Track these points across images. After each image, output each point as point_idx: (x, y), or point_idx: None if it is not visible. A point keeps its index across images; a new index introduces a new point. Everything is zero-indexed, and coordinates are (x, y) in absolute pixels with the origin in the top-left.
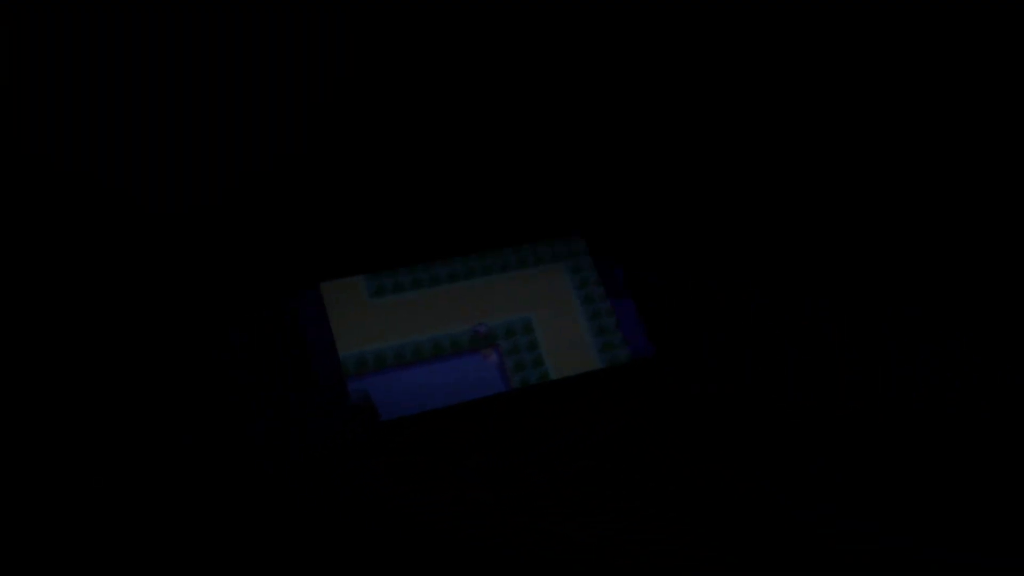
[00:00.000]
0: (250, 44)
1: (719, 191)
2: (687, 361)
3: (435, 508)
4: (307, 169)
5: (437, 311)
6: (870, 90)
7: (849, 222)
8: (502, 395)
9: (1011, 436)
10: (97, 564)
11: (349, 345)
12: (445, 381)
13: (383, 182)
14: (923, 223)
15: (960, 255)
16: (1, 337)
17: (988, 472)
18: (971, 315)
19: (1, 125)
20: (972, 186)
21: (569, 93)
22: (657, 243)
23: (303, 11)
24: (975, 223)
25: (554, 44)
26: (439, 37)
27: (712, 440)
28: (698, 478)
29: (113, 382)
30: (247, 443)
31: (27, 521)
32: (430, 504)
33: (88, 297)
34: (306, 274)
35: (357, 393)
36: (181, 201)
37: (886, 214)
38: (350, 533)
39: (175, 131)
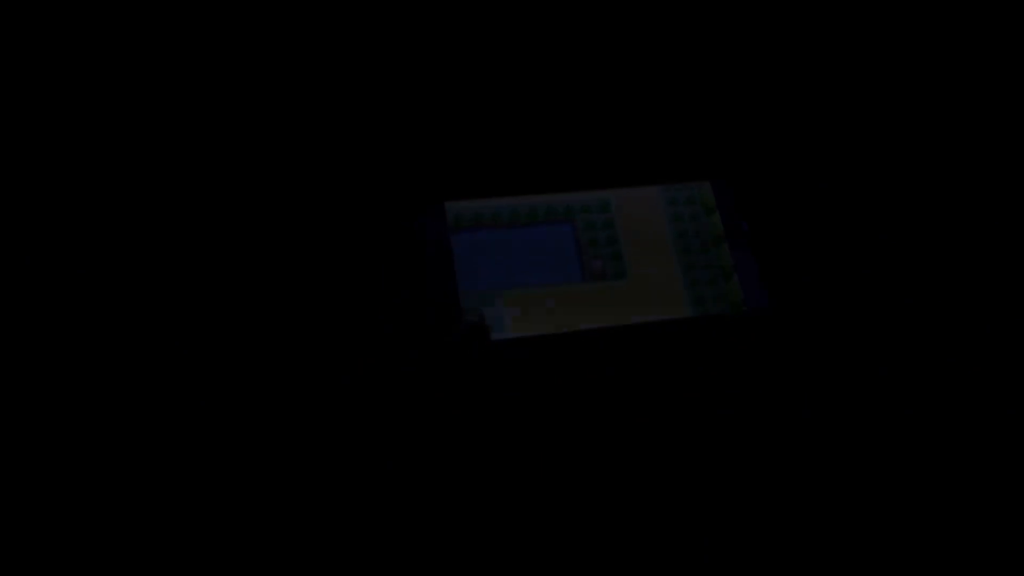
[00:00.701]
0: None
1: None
2: (808, 316)
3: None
4: (442, 99)
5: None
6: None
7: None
8: (616, 329)
9: None
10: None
11: None
12: (521, 249)
13: (520, 112)
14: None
15: None
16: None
17: None
18: None
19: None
20: None
21: (720, 31)
22: (786, 198)
23: None
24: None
25: None
26: None
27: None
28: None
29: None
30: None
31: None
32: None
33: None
34: (432, 193)
35: (472, 312)
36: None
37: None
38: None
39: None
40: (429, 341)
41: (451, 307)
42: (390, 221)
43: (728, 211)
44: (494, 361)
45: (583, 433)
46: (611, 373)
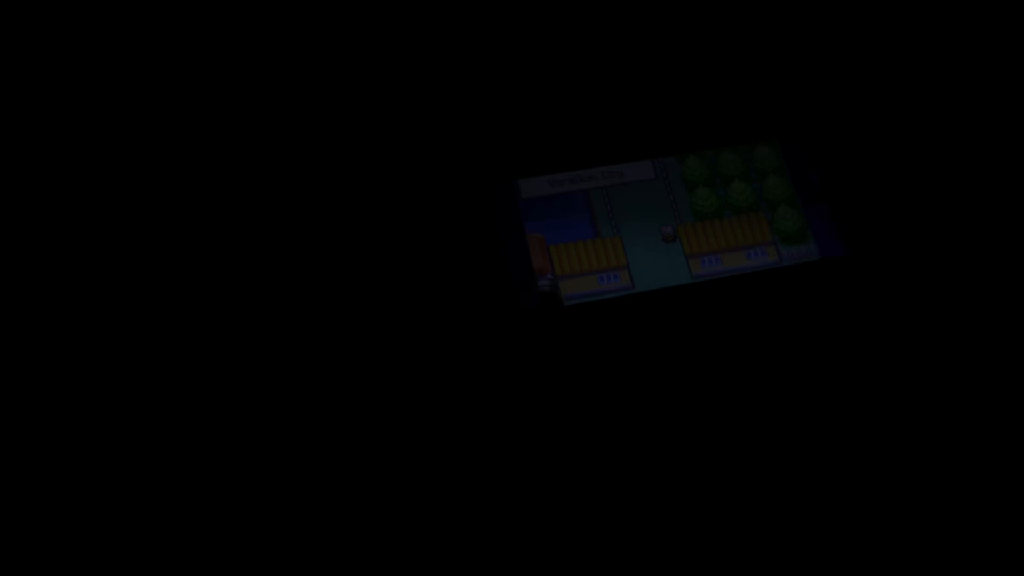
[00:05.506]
0: None
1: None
2: (882, 263)
3: None
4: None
5: None
6: None
7: None
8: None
9: None
10: None
11: None
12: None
13: (589, 81)
14: None
15: None
16: None
17: None
18: None
19: None
20: None
21: None
22: (854, 148)
23: None
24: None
25: None
26: None
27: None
28: None
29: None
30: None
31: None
32: None
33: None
34: (504, 170)
35: (545, 280)
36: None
37: None
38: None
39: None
40: (504, 313)
41: (526, 279)
42: (464, 201)
43: (797, 169)
44: (566, 327)
45: (657, 392)
46: (692, 330)
